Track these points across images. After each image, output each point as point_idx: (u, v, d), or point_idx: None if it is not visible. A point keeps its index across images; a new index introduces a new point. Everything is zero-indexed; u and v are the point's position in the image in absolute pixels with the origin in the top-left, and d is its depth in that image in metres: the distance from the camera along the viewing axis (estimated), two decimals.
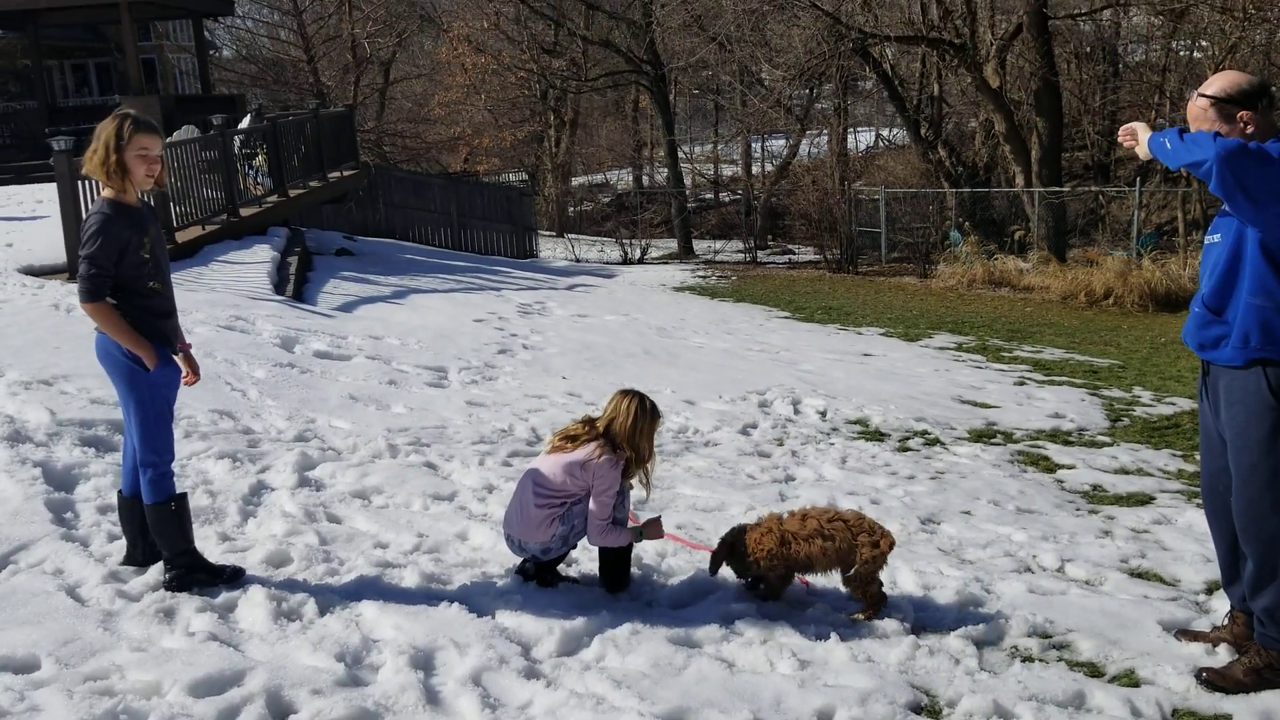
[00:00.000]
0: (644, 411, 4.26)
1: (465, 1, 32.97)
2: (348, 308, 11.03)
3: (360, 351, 8.73)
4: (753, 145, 35.74)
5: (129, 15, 18.65)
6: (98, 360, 3.95)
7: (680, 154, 32.52)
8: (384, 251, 18.10)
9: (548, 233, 30.23)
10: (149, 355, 3.84)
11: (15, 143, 21.27)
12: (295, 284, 11.61)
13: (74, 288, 9.18)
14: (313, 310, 10.49)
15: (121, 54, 30.72)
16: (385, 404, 7.35)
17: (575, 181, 37.97)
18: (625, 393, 4.35)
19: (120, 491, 4.17)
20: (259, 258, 11.88)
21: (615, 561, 4.34)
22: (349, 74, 31.30)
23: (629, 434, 4.22)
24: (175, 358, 4.01)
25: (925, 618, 4.24)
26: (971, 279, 18.83)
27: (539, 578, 4.33)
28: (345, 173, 18.77)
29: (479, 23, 30.24)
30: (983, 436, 7.86)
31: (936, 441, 7.61)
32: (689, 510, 5.61)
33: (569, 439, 4.28)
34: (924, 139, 25.01)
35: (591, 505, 4.19)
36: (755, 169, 36.42)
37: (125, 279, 3.82)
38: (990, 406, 8.91)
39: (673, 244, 27.34)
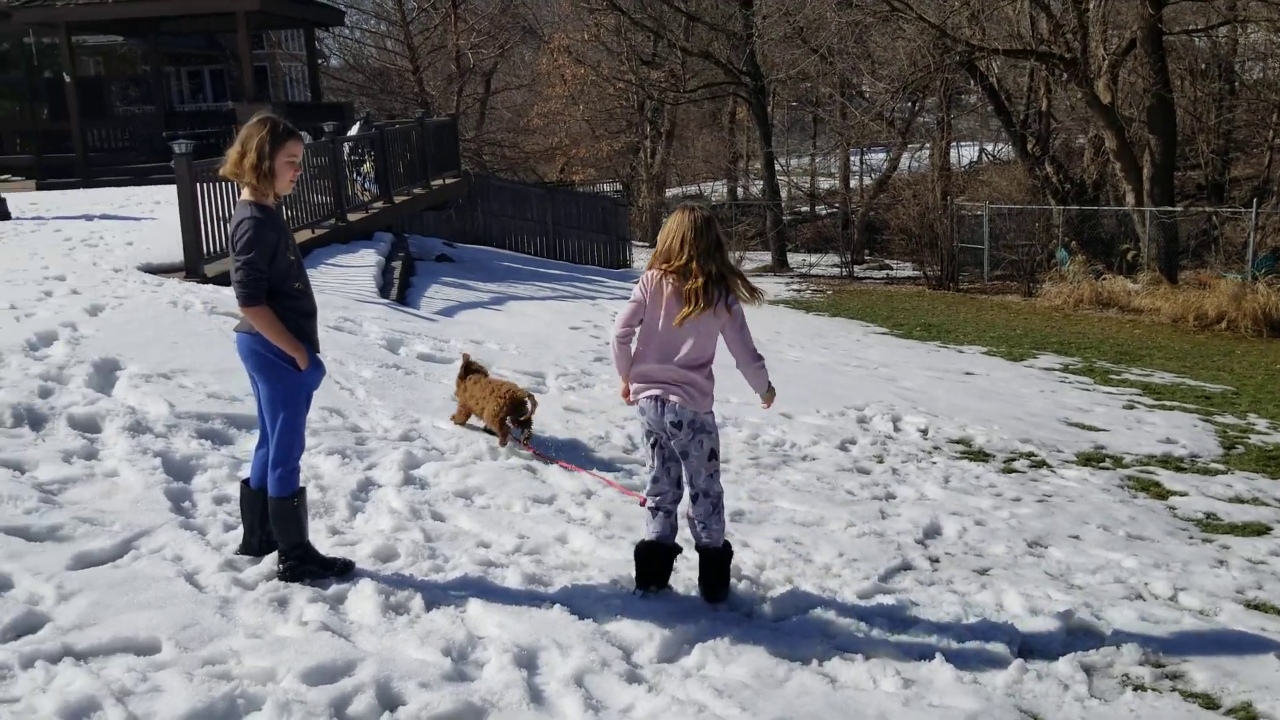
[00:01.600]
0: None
1: (567, 14, 33.38)
2: (449, 312, 11.23)
3: (461, 356, 8.86)
4: (851, 158, 35.42)
5: (245, 25, 19.30)
6: (240, 358, 4.07)
7: (777, 166, 32.38)
8: (482, 258, 18.39)
9: (641, 243, 30.37)
10: (302, 356, 3.96)
11: (134, 145, 22.14)
12: (399, 288, 11.86)
13: (192, 285, 9.55)
14: (416, 314, 10.70)
15: (236, 62, 31.78)
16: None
17: (670, 193, 38.06)
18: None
19: (245, 482, 4.30)
20: (365, 262, 12.17)
21: (719, 570, 4.33)
22: (452, 84, 31.91)
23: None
24: (318, 356, 4.11)
25: (1032, 641, 4.14)
26: (1078, 299, 18.36)
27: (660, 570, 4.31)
28: (447, 180, 19.13)
29: (580, 34, 30.60)
30: (1091, 460, 7.66)
31: (1043, 464, 7.43)
32: (787, 524, 5.57)
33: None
34: (1030, 155, 24.49)
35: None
36: (853, 182, 36.09)
37: (274, 281, 3.91)
38: (1098, 430, 8.67)
39: (767, 257, 27.22)
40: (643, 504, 4.41)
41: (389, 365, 8.00)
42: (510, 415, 6.34)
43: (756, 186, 36.17)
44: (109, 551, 4.21)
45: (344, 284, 10.99)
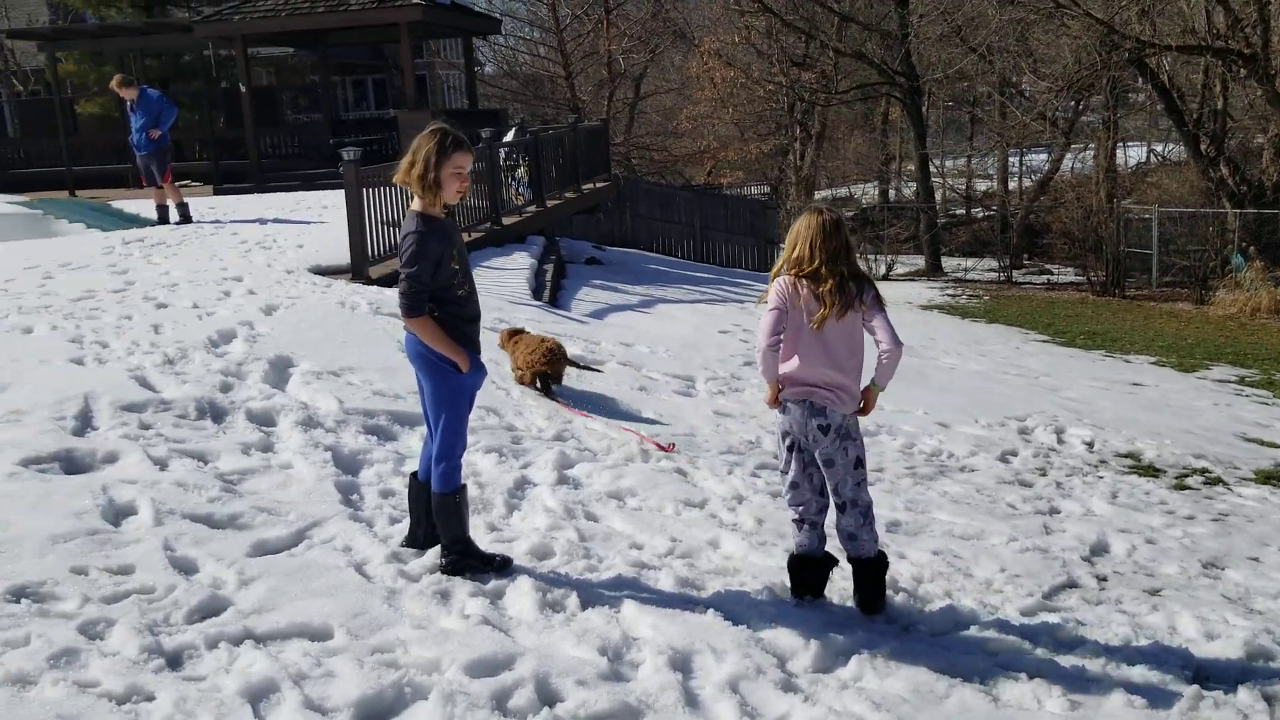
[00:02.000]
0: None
1: (718, 16, 33.39)
2: (599, 314, 11.38)
3: (612, 357, 8.97)
4: (1010, 159, 34.31)
5: (407, 36, 19.98)
6: (408, 357, 4.23)
7: (931, 168, 31.63)
8: (630, 261, 18.56)
9: None
10: (463, 360, 4.09)
11: (303, 152, 23.18)
12: (551, 290, 12.09)
13: (358, 287, 9.93)
14: (567, 316, 10.88)
15: (398, 71, 32.93)
16: (637, 408, 7.52)
17: (819, 195, 37.63)
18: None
19: (415, 474, 4.45)
20: (519, 264, 12.44)
21: (874, 581, 4.26)
22: (603, 89, 32.33)
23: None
24: (480, 359, 4.24)
25: (1208, 668, 3.93)
26: (1255, 307, 17.32)
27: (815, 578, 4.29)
28: (598, 184, 19.39)
29: (730, 37, 30.54)
30: (1271, 478, 7.21)
31: (1218, 481, 7.04)
32: (945, 537, 5.43)
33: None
34: (1204, 155, 23.22)
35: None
36: (1012, 184, 34.95)
37: (438, 289, 4.04)
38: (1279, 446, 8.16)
39: (920, 260, 26.60)
40: (668, 449, 4.36)
41: None
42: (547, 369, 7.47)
43: (909, 189, 35.40)
44: (284, 540, 4.42)
45: (498, 286, 11.26)
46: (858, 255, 4.48)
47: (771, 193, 35.78)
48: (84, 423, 5.54)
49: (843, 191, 39.18)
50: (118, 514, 4.48)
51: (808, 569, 4.31)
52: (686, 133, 33.14)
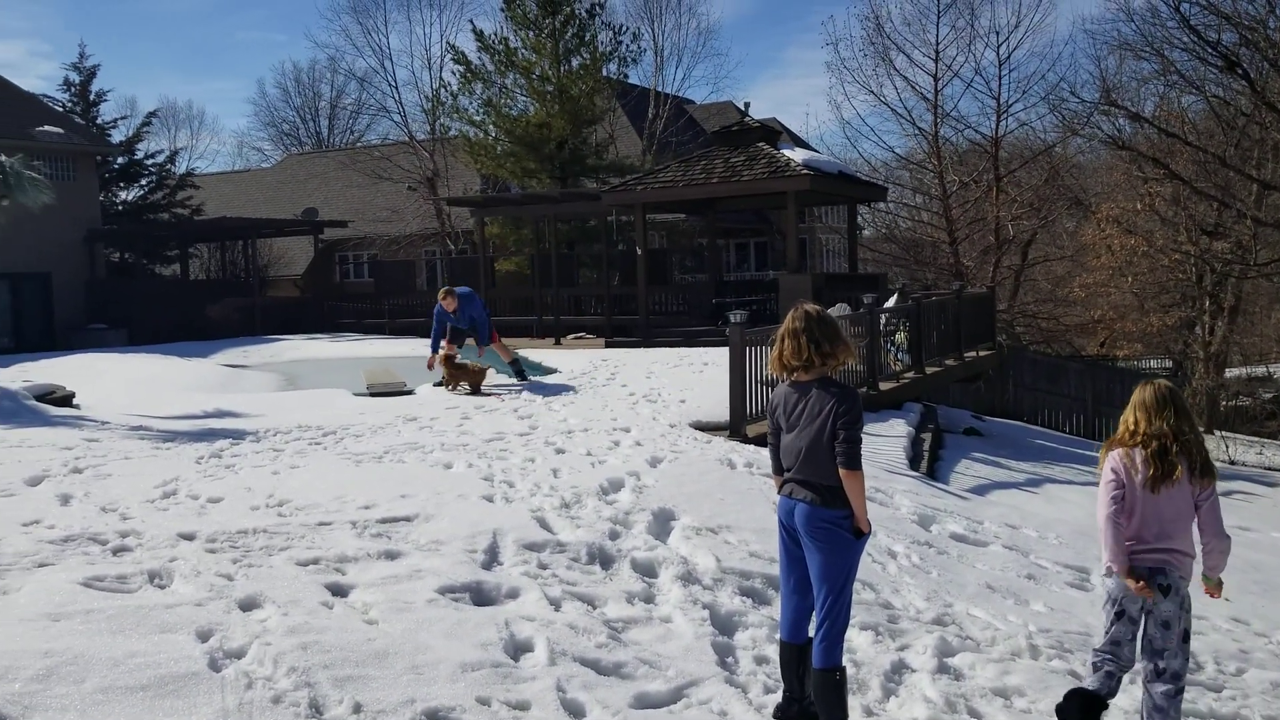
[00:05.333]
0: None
1: (1118, 182, 31.92)
2: (980, 490, 10.87)
3: (996, 539, 8.49)
4: None
5: (794, 203, 20.77)
6: (798, 526, 4.29)
7: None
8: (1012, 434, 17.69)
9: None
10: (867, 521, 4.25)
11: (687, 310, 24.48)
12: (929, 461, 11.74)
13: (735, 445, 10.17)
14: (946, 490, 10.49)
15: (781, 236, 34.29)
16: (1024, 599, 7.02)
17: (1230, 373, 34.16)
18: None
19: (782, 642, 4.42)
20: (895, 432, 12.23)
21: None
22: (989, 254, 31.66)
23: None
24: None
25: None
26: None
27: None
28: (980, 352, 18.83)
29: (1131, 204, 28.98)
30: None
31: None
32: None
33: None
34: None
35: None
36: None
37: None
38: None
39: None
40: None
41: (920, 542, 7.86)
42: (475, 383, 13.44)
43: None
44: (664, 696, 4.49)
45: (874, 453, 11.08)
46: (1201, 430, 4.74)
47: (1174, 368, 32.94)
48: (491, 557, 6.01)
49: (1260, 370, 35.33)
50: (517, 649, 4.77)
51: (1092, 708, 4.36)
52: (1078, 301, 31.53)
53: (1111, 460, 4.39)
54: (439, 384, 13.87)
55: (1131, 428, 4.39)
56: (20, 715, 3.70)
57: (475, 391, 13.52)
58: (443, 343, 13.97)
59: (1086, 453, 16.90)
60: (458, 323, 14.09)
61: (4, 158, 12.61)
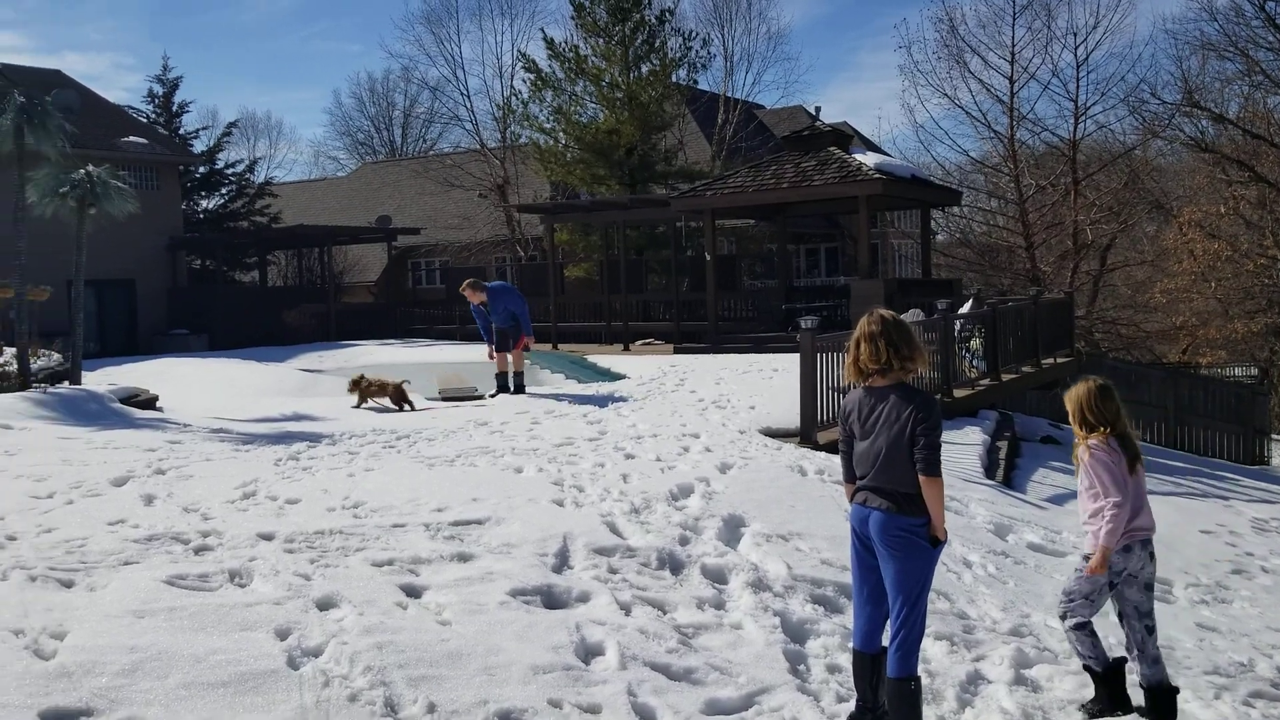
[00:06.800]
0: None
1: (1201, 185, 31.12)
2: (1058, 500, 10.63)
3: (1075, 550, 8.28)
4: None
5: (866, 208, 20.57)
6: (872, 535, 4.25)
7: None
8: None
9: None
10: (944, 530, 4.22)
11: (756, 315, 24.37)
12: (1005, 469, 11.53)
13: (806, 451, 10.09)
14: (1023, 499, 10.29)
15: (853, 241, 33.97)
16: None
17: None
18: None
19: (855, 650, 4.37)
20: (970, 439, 12.04)
21: None
22: (1066, 260, 31.06)
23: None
24: None
25: None
26: None
27: None
28: (1058, 359, 18.47)
29: (1214, 207, 28.26)
30: None
31: None
32: None
33: None
34: None
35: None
36: None
37: None
38: None
39: None
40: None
41: (996, 552, 7.72)
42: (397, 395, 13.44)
43: None
44: (734, 702, 4.47)
45: (949, 461, 10.87)
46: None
47: (1261, 376, 31.97)
48: (562, 561, 6.04)
49: None
50: (588, 652, 4.78)
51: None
52: (1159, 307, 30.77)
53: (1099, 451, 4.89)
54: (356, 406, 13.54)
55: (1111, 418, 4.95)
56: (108, 708, 3.80)
57: (402, 405, 13.24)
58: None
59: (1169, 462, 16.46)
60: (495, 318, 13.90)
61: (92, 169, 13.03)
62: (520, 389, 14.08)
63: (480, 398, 13.94)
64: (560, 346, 23.72)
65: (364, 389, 13.60)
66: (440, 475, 8.23)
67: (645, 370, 17.12)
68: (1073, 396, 5.11)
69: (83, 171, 12.84)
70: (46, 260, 17.15)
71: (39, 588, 5.00)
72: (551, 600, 5.41)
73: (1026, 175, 31.48)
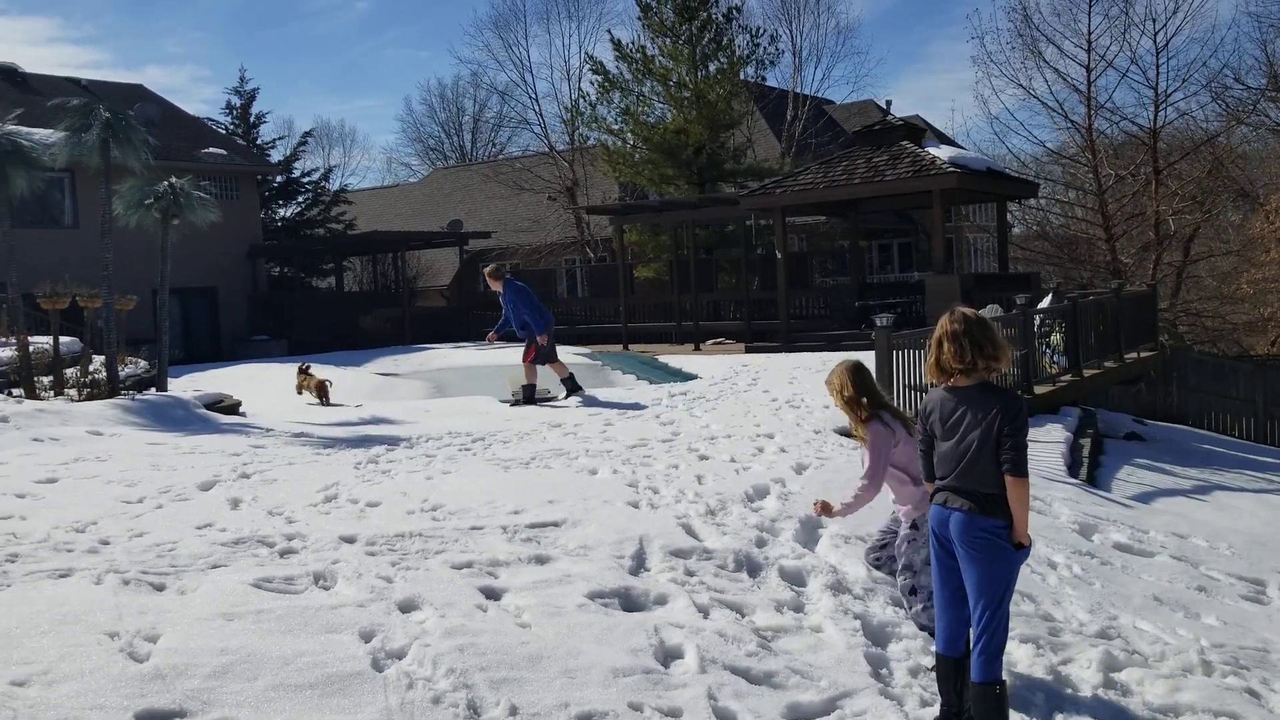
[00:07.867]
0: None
1: None
2: (1144, 498, 10.36)
3: (1163, 549, 8.08)
4: None
5: (940, 202, 20.24)
6: (954, 538, 4.18)
7: None
8: (1177, 438, 16.81)
9: None
10: (1027, 535, 4.14)
11: (828, 313, 24.17)
12: (1088, 467, 11.27)
13: None
14: (1107, 497, 10.04)
15: (926, 236, 33.47)
16: (1194, 612, 6.66)
17: None
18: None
19: (940, 653, 4.30)
20: (1051, 437, 11.78)
21: None
22: (1148, 251, 30.26)
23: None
24: None
25: None
26: None
27: None
28: (1141, 354, 18.00)
29: None
30: None
31: None
32: None
33: None
34: None
35: None
36: None
37: None
38: None
39: None
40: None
41: (1081, 552, 7.54)
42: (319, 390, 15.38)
43: None
44: (816, 707, 4.42)
45: (1031, 460, 10.67)
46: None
47: None
48: (639, 563, 6.04)
49: None
50: (667, 655, 4.77)
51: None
52: (1246, 298, 29.82)
53: (874, 426, 5.34)
54: (297, 392, 16.08)
55: (872, 392, 5.40)
56: (200, 710, 3.89)
57: (321, 399, 15.30)
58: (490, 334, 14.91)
59: (1259, 458, 15.95)
60: (511, 320, 13.69)
61: (175, 180, 13.38)
62: (531, 400, 13.60)
63: (553, 399, 14.01)
64: (631, 347, 23.78)
65: (300, 381, 16.05)
66: (516, 478, 8.29)
67: (717, 370, 17.07)
68: (833, 383, 5.43)
69: (166, 183, 13.19)
70: (131, 270, 17.69)
71: (132, 591, 5.13)
72: (629, 603, 5.41)
73: (1105, 165, 30.71)
